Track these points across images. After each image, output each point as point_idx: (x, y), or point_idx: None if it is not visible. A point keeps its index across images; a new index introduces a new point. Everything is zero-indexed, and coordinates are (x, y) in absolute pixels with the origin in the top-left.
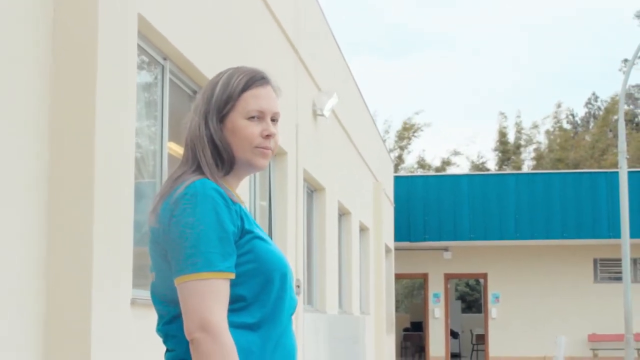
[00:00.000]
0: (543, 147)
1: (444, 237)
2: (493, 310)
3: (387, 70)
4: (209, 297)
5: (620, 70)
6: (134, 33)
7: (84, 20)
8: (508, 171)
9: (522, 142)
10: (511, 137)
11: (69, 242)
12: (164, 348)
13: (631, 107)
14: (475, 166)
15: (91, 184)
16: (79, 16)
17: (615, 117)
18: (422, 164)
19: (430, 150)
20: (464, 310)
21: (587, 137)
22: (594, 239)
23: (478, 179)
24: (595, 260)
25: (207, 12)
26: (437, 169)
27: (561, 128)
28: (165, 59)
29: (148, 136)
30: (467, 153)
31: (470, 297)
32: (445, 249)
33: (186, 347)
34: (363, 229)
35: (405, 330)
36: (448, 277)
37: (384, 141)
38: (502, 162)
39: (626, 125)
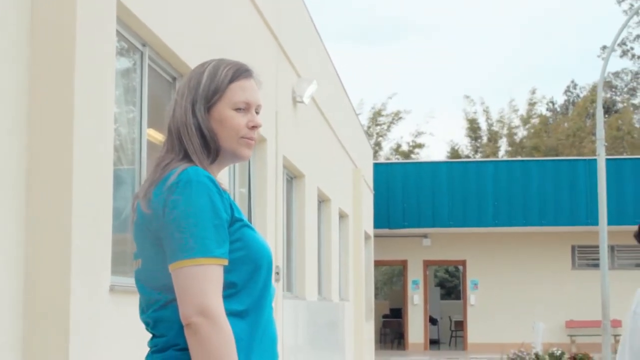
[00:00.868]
0: (520, 134)
1: (423, 224)
2: (472, 297)
3: (367, 58)
4: (206, 282)
5: (599, 56)
6: (112, 19)
7: (62, 6)
8: (487, 158)
9: (498, 129)
10: (486, 124)
11: (48, 228)
12: (142, 334)
13: (610, 94)
14: (454, 152)
15: (69, 170)
16: (57, 2)
17: (594, 104)
18: (399, 152)
19: (407, 138)
20: (442, 297)
21: (566, 124)
22: (572, 226)
23: (457, 166)
24: (573, 247)
25: None
26: (406, 155)
27: (541, 115)
28: (144, 45)
29: (127, 122)
30: (436, 133)
31: (449, 284)
32: (425, 236)
33: (178, 331)
34: (342, 216)
35: (385, 316)
36: (427, 264)
37: (368, 127)
38: (476, 149)
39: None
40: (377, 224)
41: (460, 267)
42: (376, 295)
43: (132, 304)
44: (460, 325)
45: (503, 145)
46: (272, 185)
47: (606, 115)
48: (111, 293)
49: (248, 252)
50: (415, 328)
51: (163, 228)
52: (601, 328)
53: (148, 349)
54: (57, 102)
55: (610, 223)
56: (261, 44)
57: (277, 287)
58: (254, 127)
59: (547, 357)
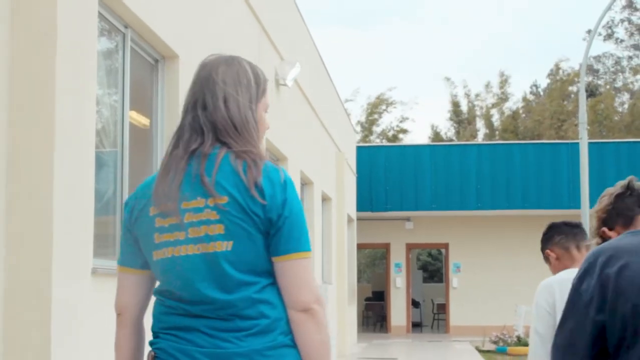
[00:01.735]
0: (499, 117)
1: (405, 207)
2: (454, 280)
3: (352, 41)
4: (313, 274)
5: (584, 39)
6: (94, 0)
7: None
8: (469, 142)
9: (477, 112)
10: (467, 107)
11: (29, 210)
12: None
13: (592, 78)
14: (435, 134)
15: (51, 152)
16: None
17: (576, 88)
18: (386, 137)
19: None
20: (425, 280)
21: (547, 107)
22: (554, 209)
23: (440, 150)
24: None
25: None
26: (391, 139)
27: (525, 99)
28: (126, 26)
29: (109, 105)
30: (419, 119)
31: (432, 267)
32: (407, 219)
33: (281, 313)
34: (325, 199)
35: (367, 299)
36: (410, 247)
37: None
38: (458, 132)
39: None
40: (360, 207)
41: (443, 250)
42: (359, 278)
43: (114, 286)
44: (442, 308)
45: (482, 128)
46: None
47: (589, 99)
48: (93, 275)
49: None
50: (398, 311)
51: (281, 220)
52: None
53: None
54: (38, 83)
55: (592, 206)
56: (244, 26)
57: None
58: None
59: (529, 339)
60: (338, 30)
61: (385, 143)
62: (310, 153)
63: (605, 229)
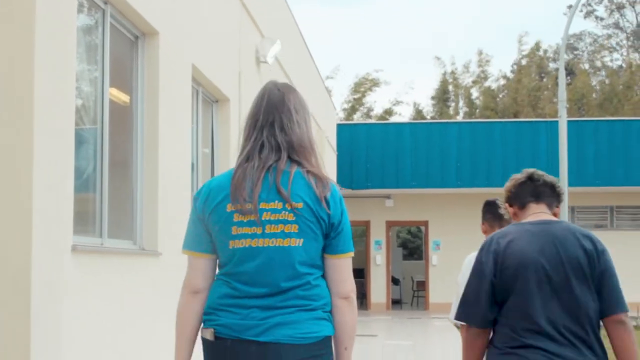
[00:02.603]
0: (478, 94)
1: (386, 184)
2: (434, 258)
3: (333, 19)
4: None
5: (565, 14)
6: None
7: None
8: (450, 120)
9: (459, 90)
10: (449, 86)
11: (8, 188)
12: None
13: (572, 56)
14: (418, 113)
15: (30, 129)
16: None
17: (555, 65)
18: (370, 116)
19: (379, 102)
20: (405, 257)
21: (525, 85)
22: None
23: (420, 127)
24: None
25: None
26: (380, 118)
27: (504, 76)
28: (105, 2)
29: (89, 81)
30: (408, 100)
31: (412, 244)
32: (387, 197)
33: (328, 298)
34: None
35: None
36: (390, 225)
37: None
38: (440, 111)
39: (566, 75)
40: (340, 184)
41: (423, 228)
42: None
43: (94, 264)
44: (422, 286)
45: (463, 106)
46: (235, 146)
47: (568, 77)
48: (73, 253)
49: None
50: (378, 288)
51: (340, 226)
52: None
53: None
54: (17, 59)
55: (570, 184)
56: (225, 3)
57: None
58: None
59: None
60: (319, 8)
61: (366, 121)
62: None
63: (507, 204)
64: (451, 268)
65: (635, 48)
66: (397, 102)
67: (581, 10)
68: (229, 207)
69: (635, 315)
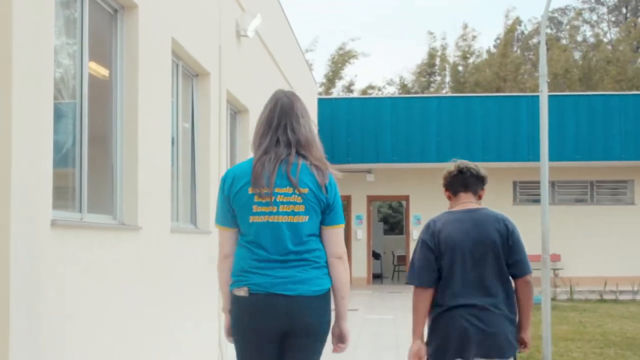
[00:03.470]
0: (462, 69)
1: (366, 159)
2: (414, 232)
3: None
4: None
5: None
6: None
7: None
8: (430, 94)
9: (442, 65)
10: (433, 60)
11: None
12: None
13: (554, 30)
14: (403, 86)
15: (9, 104)
16: None
17: (537, 40)
18: (351, 90)
19: (362, 77)
20: (386, 232)
21: (507, 60)
22: (514, 162)
23: (401, 102)
24: (514, 183)
25: None
26: (363, 92)
27: (488, 51)
28: None
29: (68, 55)
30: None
31: (393, 219)
32: (368, 171)
33: (325, 257)
34: None
35: None
36: (371, 199)
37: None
38: (425, 85)
39: (547, 49)
40: None
41: (404, 203)
42: None
43: (74, 238)
44: (402, 260)
45: (447, 80)
46: (216, 120)
47: (549, 52)
48: (53, 227)
49: None
50: (359, 263)
51: (333, 205)
52: (541, 262)
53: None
54: None
55: (551, 159)
56: None
57: None
58: None
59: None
60: None
61: (347, 95)
62: None
63: (444, 189)
64: None
65: (616, 23)
66: (391, 83)
67: None
68: (250, 190)
69: (613, 289)
